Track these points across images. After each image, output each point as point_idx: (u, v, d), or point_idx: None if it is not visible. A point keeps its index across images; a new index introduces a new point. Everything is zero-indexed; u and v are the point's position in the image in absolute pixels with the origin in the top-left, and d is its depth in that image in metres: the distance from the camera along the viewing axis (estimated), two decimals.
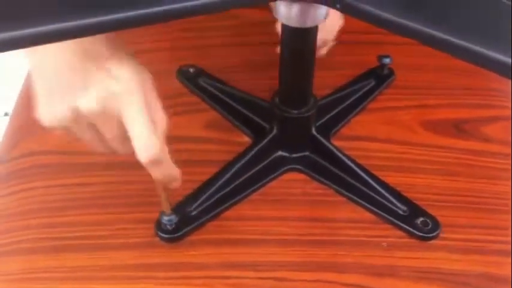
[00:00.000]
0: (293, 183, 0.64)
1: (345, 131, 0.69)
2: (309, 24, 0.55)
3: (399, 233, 0.60)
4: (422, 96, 0.73)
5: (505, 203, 0.62)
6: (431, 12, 0.43)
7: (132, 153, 0.49)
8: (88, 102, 0.48)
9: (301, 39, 0.58)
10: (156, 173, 0.51)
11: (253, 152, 0.64)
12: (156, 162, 0.49)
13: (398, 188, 0.63)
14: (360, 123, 0.70)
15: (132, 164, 0.49)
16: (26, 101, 0.76)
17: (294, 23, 0.55)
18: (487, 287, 0.56)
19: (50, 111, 0.49)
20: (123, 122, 0.48)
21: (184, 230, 0.59)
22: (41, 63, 0.49)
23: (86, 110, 0.48)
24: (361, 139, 0.69)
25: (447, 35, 0.42)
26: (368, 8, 0.45)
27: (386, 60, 0.74)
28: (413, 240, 0.59)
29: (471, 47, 0.41)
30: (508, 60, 0.40)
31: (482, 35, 0.41)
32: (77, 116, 0.48)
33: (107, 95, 0.48)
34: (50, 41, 0.43)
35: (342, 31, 0.73)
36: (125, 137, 0.49)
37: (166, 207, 0.58)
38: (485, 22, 0.42)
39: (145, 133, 0.48)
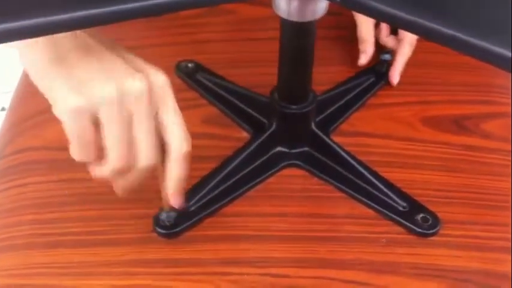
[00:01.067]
0: (292, 179, 0.64)
1: (344, 126, 0.69)
2: (309, 18, 0.55)
3: (399, 229, 0.60)
4: (422, 93, 0.73)
5: (506, 200, 0.62)
6: (429, 5, 0.43)
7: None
8: (108, 91, 0.47)
9: (300, 33, 0.57)
10: (177, 171, 0.52)
11: (252, 148, 0.64)
12: (185, 158, 0.51)
13: (398, 184, 0.62)
14: (359, 119, 0.70)
15: None
16: (23, 96, 0.75)
17: (293, 17, 0.55)
18: (487, 283, 0.56)
19: (64, 101, 0.48)
20: (134, 122, 0.48)
21: (182, 226, 0.59)
22: (59, 54, 0.48)
23: (104, 98, 0.47)
24: (361, 135, 0.68)
25: (445, 27, 0.41)
26: (367, 1, 0.45)
27: (386, 57, 0.74)
28: (413, 237, 0.59)
29: (470, 40, 0.41)
30: (508, 53, 0.40)
31: (482, 28, 0.41)
32: (90, 108, 0.47)
33: (128, 87, 0.47)
34: (39, 34, 0.42)
35: (342, 27, 0.73)
36: (124, 141, 0.49)
37: (167, 204, 0.57)
38: (485, 14, 0.41)
39: (183, 126, 0.50)
